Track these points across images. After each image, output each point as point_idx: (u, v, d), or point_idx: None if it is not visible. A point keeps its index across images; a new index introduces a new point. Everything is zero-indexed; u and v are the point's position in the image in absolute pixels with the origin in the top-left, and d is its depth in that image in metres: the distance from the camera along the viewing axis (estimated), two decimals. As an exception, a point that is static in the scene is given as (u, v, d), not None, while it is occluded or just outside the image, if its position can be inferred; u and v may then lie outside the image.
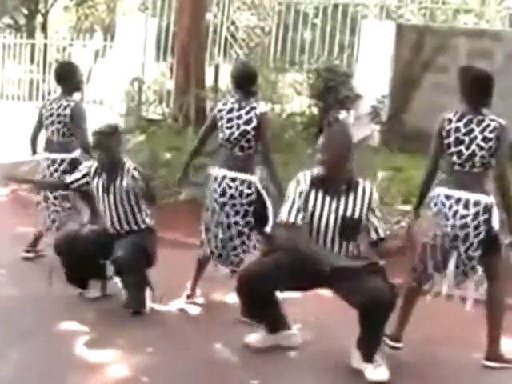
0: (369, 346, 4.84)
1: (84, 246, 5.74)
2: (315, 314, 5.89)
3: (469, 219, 5.01)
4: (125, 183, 5.86)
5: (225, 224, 5.83)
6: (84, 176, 6.02)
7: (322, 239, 4.94)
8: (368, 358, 4.83)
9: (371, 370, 4.80)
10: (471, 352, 5.35)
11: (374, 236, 4.99)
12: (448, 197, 5.08)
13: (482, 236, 5.03)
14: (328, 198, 4.93)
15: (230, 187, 5.79)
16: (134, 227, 5.93)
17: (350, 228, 4.93)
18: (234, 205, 5.79)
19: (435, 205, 5.13)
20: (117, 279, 5.88)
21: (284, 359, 5.13)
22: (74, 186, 6.10)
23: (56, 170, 6.79)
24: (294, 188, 4.98)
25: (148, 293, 5.80)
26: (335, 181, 4.93)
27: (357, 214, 4.93)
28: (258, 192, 5.80)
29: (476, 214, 5.00)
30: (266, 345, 5.19)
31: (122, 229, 5.91)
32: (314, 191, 4.95)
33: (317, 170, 4.97)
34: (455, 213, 5.04)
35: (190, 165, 6.29)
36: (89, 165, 6.07)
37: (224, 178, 5.82)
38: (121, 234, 5.90)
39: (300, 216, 4.89)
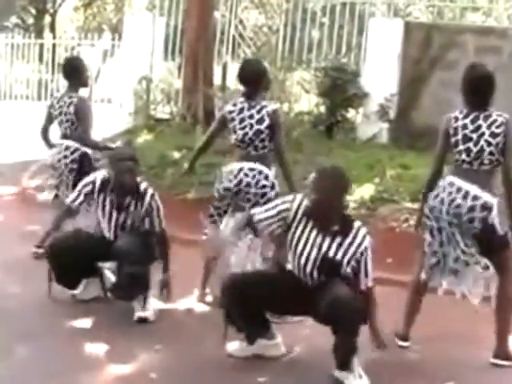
0: (342, 354, 4.63)
1: (78, 244, 5.69)
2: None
3: (463, 210, 4.97)
4: (143, 209, 5.82)
5: (235, 209, 5.81)
6: (85, 196, 5.90)
7: (301, 270, 4.81)
8: (342, 366, 4.65)
9: (352, 381, 4.64)
10: (479, 350, 5.34)
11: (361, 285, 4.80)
12: (451, 184, 5.06)
13: (476, 231, 4.99)
14: (315, 232, 4.77)
15: (247, 175, 5.76)
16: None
17: (327, 268, 4.74)
18: (247, 192, 5.76)
19: (436, 193, 5.13)
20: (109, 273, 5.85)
21: (292, 358, 5.13)
22: (75, 204, 6.00)
23: (66, 157, 6.82)
24: (281, 202, 4.89)
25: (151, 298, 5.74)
26: (326, 219, 4.76)
27: (338, 257, 4.72)
28: (272, 187, 5.80)
29: (471, 209, 4.96)
30: (246, 354, 5.03)
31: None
32: (304, 220, 4.80)
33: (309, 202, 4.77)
34: (452, 200, 5.01)
35: (196, 162, 6.29)
36: (91, 182, 5.90)
37: (241, 169, 5.79)
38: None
39: (267, 224, 4.86)
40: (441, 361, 5.22)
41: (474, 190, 4.99)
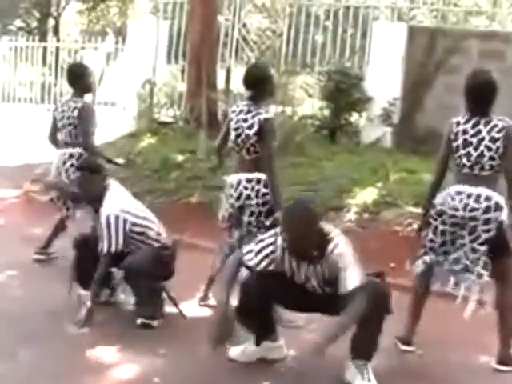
0: (364, 343, 4.68)
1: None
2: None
3: (478, 213, 4.98)
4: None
5: (242, 224, 5.82)
6: None
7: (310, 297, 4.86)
8: (365, 355, 4.69)
9: (360, 382, 4.64)
10: (483, 355, 5.34)
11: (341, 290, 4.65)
12: (459, 192, 5.06)
13: (491, 233, 4.99)
14: (304, 264, 4.76)
15: (246, 188, 5.75)
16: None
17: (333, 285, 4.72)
18: (249, 205, 5.75)
19: (442, 199, 5.12)
20: (121, 291, 5.88)
21: (296, 362, 5.11)
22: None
23: (72, 165, 6.81)
24: (265, 245, 4.83)
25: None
26: (302, 253, 4.70)
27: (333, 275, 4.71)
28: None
29: (487, 209, 4.97)
30: (249, 359, 5.04)
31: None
32: (288, 257, 4.78)
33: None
34: (466, 205, 5.01)
35: (223, 159, 6.33)
36: None
37: (239, 182, 5.78)
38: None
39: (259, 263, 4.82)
40: (443, 365, 5.21)
41: (484, 191, 5.00)
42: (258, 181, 5.75)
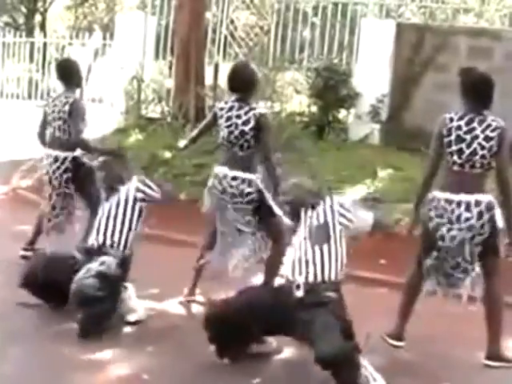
0: None
1: (47, 276, 5.54)
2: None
3: (473, 221, 5.00)
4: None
5: (228, 221, 5.82)
6: None
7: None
8: None
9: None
10: (472, 351, 5.34)
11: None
12: (449, 201, 5.06)
13: (486, 235, 5.03)
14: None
15: (232, 186, 5.77)
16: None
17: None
18: (234, 203, 5.78)
19: (435, 209, 5.12)
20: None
21: (283, 359, 5.13)
22: None
23: (58, 168, 6.78)
24: None
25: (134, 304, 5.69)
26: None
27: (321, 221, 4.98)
28: (259, 191, 5.78)
29: (480, 214, 4.98)
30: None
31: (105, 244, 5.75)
32: None
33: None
34: (459, 216, 5.02)
35: (190, 146, 6.38)
36: None
37: (225, 176, 5.80)
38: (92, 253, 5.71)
39: None
40: (433, 361, 5.23)
41: (472, 197, 5.00)
42: (243, 180, 5.76)
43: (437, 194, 5.14)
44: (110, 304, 5.42)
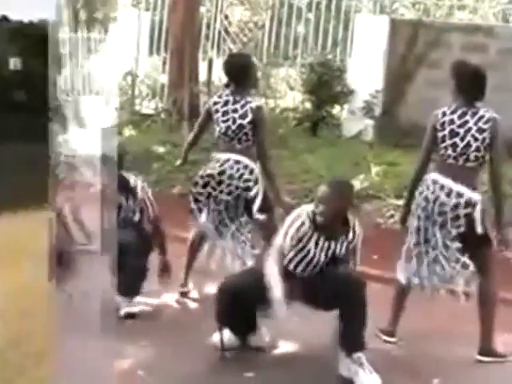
0: (356, 332, 4.72)
1: None
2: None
3: (447, 208, 4.99)
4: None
5: (218, 201, 5.82)
6: None
7: (310, 270, 4.94)
8: (359, 346, 4.70)
9: (363, 375, 4.65)
10: (464, 346, 5.34)
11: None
12: (434, 181, 5.07)
13: (462, 229, 5.00)
14: (323, 239, 4.89)
15: (232, 168, 5.74)
16: None
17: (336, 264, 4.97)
18: (229, 184, 5.75)
19: (422, 189, 5.15)
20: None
21: (279, 352, 5.13)
22: None
23: None
24: (292, 221, 4.93)
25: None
26: (333, 226, 4.90)
27: (343, 253, 4.95)
28: (256, 181, 5.77)
29: (455, 206, 4.97)
30: (233, 345, 5.04)
31: None
32: (311, 230, 4.88)
33: (315, 213, 4.87)
34: (436, 198, 5.03)
35: (187, 155, 6.30)
36: None
37: (228, 160, 5.77)
38: None
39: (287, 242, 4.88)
40: (426, 357, 5.22)
41: (457, 187, 4.99)
42: (246, 166, 5.75)
43: (426, 175, 5.16)
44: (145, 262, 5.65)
